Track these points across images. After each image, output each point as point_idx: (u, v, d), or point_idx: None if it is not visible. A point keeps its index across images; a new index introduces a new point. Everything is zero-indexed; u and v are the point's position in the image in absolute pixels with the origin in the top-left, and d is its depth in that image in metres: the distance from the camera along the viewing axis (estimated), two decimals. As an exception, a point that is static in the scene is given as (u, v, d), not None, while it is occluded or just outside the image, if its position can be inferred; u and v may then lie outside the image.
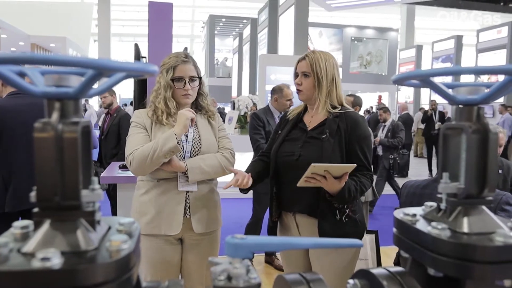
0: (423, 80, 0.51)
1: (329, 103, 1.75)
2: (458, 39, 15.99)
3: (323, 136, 1.71)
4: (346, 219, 1.73)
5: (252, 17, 17.90)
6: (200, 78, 1.88)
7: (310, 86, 1.77)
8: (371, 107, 14.77)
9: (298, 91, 1.82)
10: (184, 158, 1.81)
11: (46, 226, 0.42)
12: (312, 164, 1.53)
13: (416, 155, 12.12)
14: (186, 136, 1.85)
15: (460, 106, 0.53)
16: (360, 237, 1.80)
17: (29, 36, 15.40)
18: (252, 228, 3.66)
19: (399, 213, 0.58)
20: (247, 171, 1.81)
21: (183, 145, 1.81)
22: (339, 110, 1.75)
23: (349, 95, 3.93)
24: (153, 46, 2.56)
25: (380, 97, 16.32)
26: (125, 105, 14.15)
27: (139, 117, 1.86)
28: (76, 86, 0.40)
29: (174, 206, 1.79)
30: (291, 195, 1.78)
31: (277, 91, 3.54)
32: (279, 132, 1.90)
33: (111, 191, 4.15)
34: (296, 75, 1.84)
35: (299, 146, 1.76)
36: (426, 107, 12.20)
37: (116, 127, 4.56)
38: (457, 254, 0.48)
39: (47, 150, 0.41)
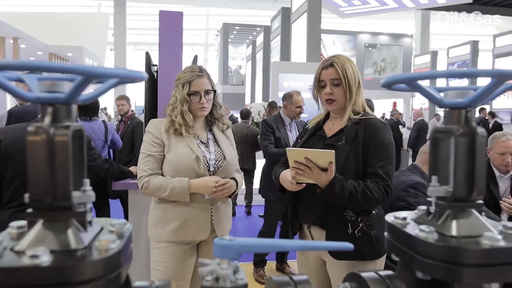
0: (409, 83, 0.51)
1: (351, 110, 1.66)
2: (474, 45, 15.78)
3: (339, 144, 1.62)
4: (359, 234, 1.57)
5: (265, 25, 18.02)
6: (214, 91, 1.91)
7: (342, 94, 1.65)
8: (384, 114, 14.64)
9: (330, 101, 1.67)
10: (208, 168, 1.86)
11: (38, 225, 0.44)
12: (287, 148, 1.52)
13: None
14: (207, 146, 1.90)
15: (448, 109, 0.54)
16: (377, 256, 1.63)
17: (47, 46, 15.82)
18: (265, 236, 3.64)
19: (390, 217, 0.58)
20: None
21: (205, 155, 1.87)
22: (360, 116, 1.65)
23: None
24: (164, 54, 2.60)
25: (395, 103, 16.18)
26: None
27: (157, 127, 1.87)
28: (67, 92, 0.42)
29: (201, 212, 1.86)
30: (304, 205, 1.73)
31: (287, 97, 3.56)
32: (299, 141, 1.84)
33: (124, 197, 4.20)
34: (318, 83, 1.71)
35: None
36: (442, 114, 11.87)
37: (130, 134, 4.59)
38: (444, 257, 0.48)
39: (39, 152, 0.42)
